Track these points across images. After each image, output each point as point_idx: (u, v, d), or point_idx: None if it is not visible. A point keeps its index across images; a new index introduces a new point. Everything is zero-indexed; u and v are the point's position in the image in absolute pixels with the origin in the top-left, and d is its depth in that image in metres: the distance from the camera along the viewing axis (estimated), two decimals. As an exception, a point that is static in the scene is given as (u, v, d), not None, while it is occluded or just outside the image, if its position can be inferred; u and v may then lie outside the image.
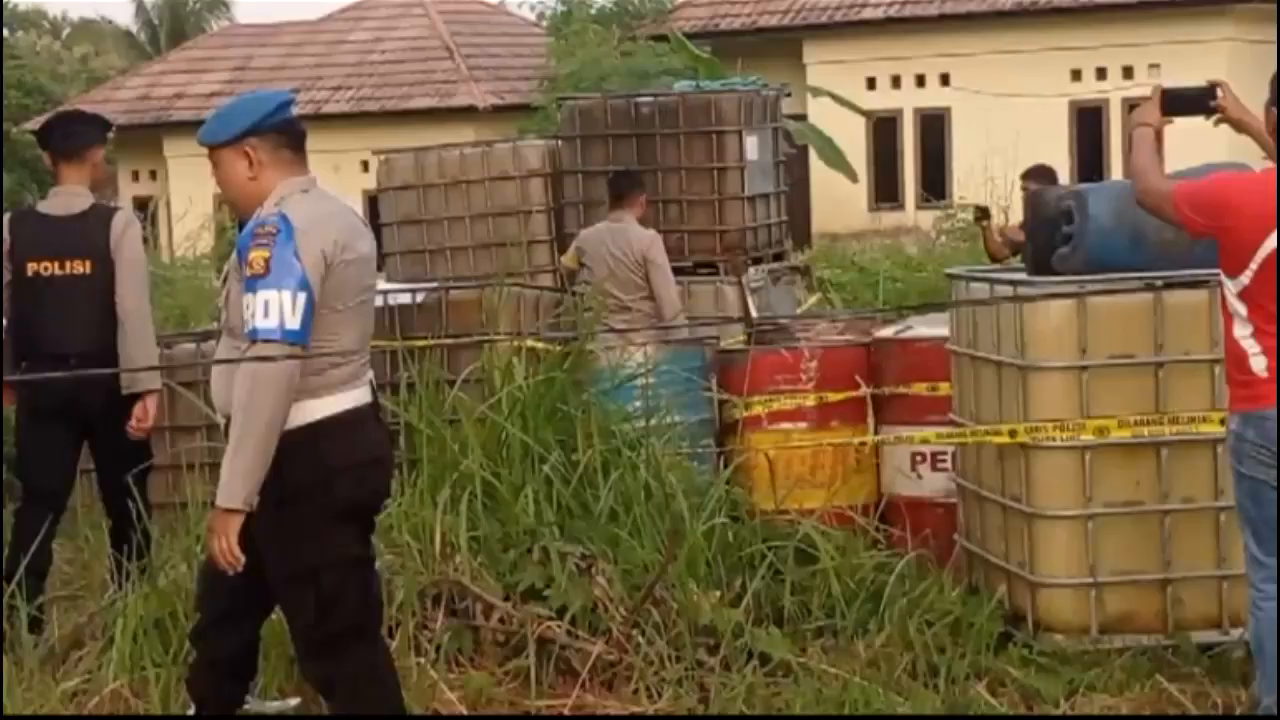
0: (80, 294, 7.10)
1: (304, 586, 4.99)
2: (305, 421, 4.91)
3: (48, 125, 7.62)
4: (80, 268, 7.14)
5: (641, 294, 10.11)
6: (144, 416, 7.25)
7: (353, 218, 5.20)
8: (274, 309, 4.81)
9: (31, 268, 7.15)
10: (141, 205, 28.19)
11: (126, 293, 7.16)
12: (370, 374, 5.14)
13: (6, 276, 7.19)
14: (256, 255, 4.88)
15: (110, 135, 7.82)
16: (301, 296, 4.82)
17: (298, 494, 4.92)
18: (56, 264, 7.13)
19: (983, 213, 11.80)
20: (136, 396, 7.24)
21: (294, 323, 4.80)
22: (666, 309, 10.00)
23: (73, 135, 7.37)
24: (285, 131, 5.22)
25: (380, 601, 5.34)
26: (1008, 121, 23.79)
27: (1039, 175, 11.24)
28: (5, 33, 42.47)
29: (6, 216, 7.31)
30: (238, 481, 4.81)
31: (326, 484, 4.95)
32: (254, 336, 4.83)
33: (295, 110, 5.39)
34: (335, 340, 4.97)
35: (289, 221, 4.93)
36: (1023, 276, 6.85)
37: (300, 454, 4.89)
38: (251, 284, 4.86)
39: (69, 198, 7.26)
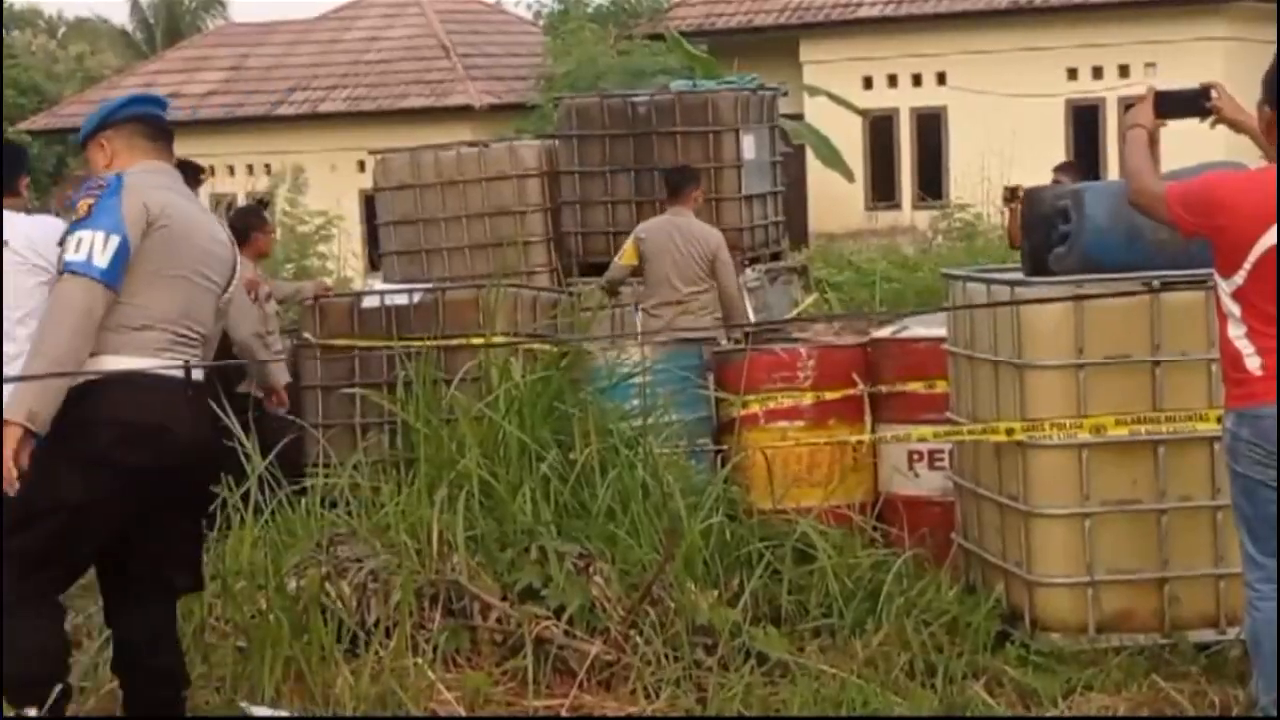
0: None
1: (16, 500, 4.98)
2: (98, 372, 5.04)
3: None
4: None
5: (700, 288, 10.15)
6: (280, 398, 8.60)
7: (189, 204, 5.42)
8: (84, 246, 5.01)
9: None
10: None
11: (236, 326, 7.86)
12: (196, 356, 5.24)
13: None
14: (83, 203, 5.12)
15: (203, 178, 8.66)
16: (114, 239, 5.02)
17: (66, 434, 4.99)
18: None
19: (1013, 194, 11.82)
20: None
21: (102, 260, 4.99)
22: (736, 307, 10.18)
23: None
24: (138, 122, 5.42)
25: (69, 569, 5.24)
26: (1004, 121, 23.80)
27: (1069, 169, 11.32)
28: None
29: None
30: (22, 396, 4.89)
31: (93, 432, 5.03)
32: (65, 269, 5.03)
33: (166, 112, 5.60)
34: (148, 304, 5.13)
35: (121, 179, 5.19)
36: (1020, 276, 6.85)
37: (83, 399, 5.02)
38: (73, 227, 5.08)
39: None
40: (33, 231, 5.65)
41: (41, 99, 36.06)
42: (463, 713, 5.80)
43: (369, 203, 19.11)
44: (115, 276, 5.01)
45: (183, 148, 22.97)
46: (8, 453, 4.86)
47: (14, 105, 34.52)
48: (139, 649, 5.36)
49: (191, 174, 8.20)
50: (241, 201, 24.46)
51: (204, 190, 26.84)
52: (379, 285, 11.84)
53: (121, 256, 5.03)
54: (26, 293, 5.57)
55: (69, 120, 30.37)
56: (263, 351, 8.48)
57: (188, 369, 5.19)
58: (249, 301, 8.48)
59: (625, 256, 10.43)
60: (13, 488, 4.89)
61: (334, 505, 6.87)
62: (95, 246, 5.01)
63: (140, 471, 5.11)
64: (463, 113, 26.65)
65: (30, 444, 4.90)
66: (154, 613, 5.36)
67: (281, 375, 8.99)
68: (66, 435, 5.00)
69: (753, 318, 11.21)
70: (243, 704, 5.64)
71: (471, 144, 13.98)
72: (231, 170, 28.04)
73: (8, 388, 4.92)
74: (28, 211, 6.99)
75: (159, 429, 5.13)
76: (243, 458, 6.82)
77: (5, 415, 4.86)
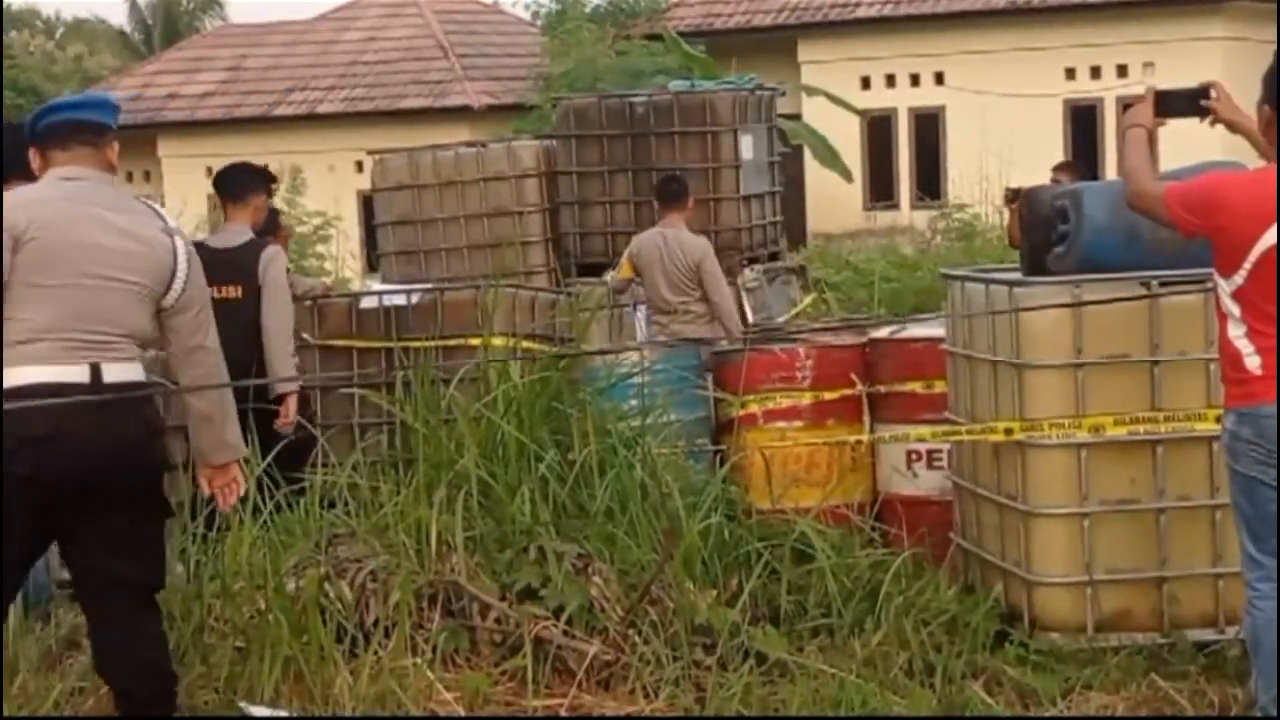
0: (230, 315, 7.41)
1: None
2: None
3: (221, 173, 8.90)
4: (233, 292, 8.11)
5: (693, 297, 10.22)
6: (286, 415, 8.22)
7: (88, 209, 5.35)
8: None
9: None
10: (136, 205, 28.23)
11: (269, 312, 8.25)
12: (84, 355, 5.22)
13: None
14: None
15: (275, 186, 9.22)
16: None
17: None
18: (215, 289, 7.26)
19: (1014, 195, 11.89)
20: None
21: None
22: (727, 319, 10.20)
23: (240, 183, 8.67)
24: (46, 134, 5.51)
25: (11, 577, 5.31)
26: (1002, 120, 23.82)
27: (1068, 170, 11.35)
28: (-2, 33, 42.46)
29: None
30: None
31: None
32: None
33: (93, 111, 5.58)
34: (31, 316, 5.18)
35: None
36: (1018, 276, 6.85)
37: None
38: None
39: (231, 234, 8.50)
40: None
41: (39, 100, 36.02)
42: (462, 713, 5.80)
43: (367, 203, 19.14)
44: None
45: (181, 148, 23.05)
46: None
47: (12, 106, 34.48)
48: (113, 647, 5.35)
49: (266, 180, 8.93)
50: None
51: (204, 192, 26.92)
52: (377, 286, 11.84)
53: None
54: None
55: (67, 121, 30.36)
56: (283, 359, 8.41)
57: (96, 374, 5.20)
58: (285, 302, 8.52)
59: (622, 271, 10.51)
60: None
61: (333, 505, 6.86)
62: None
63: (31, 480, 5.11)
64: (461, 113, 26.66)
65: None
66: (119, 611, 5.32)
67: (291, 385, 8.77)
68: None
69: (751, 318, 11.23)
70: (242, 704, 5.64)
71: (469, 144, 14.01)
72: (229, 171, 28.03)
73: None
74: None
75: (46, 438, 5.11)
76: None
77: None
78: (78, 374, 5.19)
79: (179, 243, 5.47)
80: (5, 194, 5.35)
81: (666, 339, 9.71)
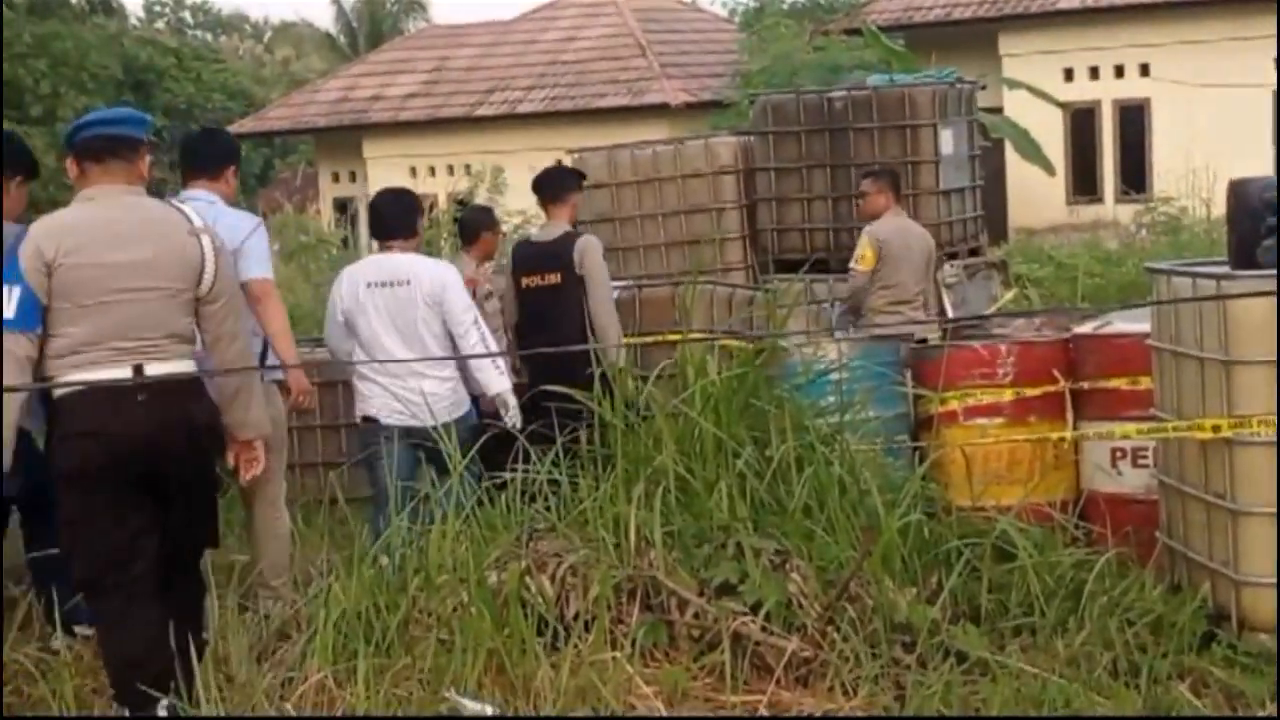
0: (553, 298, 8.97)
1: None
2: (55, 398, 5.86)
3: (539, 177, 9.63)
4: (553, 279, 9.02)
5: (925, 285, 10.71)
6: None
7: (112, 228, 5.88)
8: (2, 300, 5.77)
9: (524, 282, 9.15)
10: (341, 207, 28.70)
11: (593, 296, 8.99)
12: (128, 359, 5.83)
13: (510, 286, 9.28)
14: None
15: (584, 184, 9.90)
16: (16, 290, 5.74)
17: (49, 457, 5.98)
18: (539, 276, 9.06)
19: None
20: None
21: (9, 312, 5.73)
22: (944, 302, 10.88)
23: (557, 184, 9.42)
24: (82, 149, 6.02)
25: (127, 558, 5.88)
26: (1209, 112, 23.34)
27: None
28: (209, 37, 43.48)
29: (512, 245, 9.79)
30: None
31: (57, 450, 5.91)
32: None
33: (126, 126, 6.08)
34: (74, 333, 5.79)
35: (29, 230, 5.93)
36: (1226, 270, 6.72)
37: (51, 426, 5.94)
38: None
39: (552, 229, 9.30)
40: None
41: (249, 103, 36.85)
42: (661, 707, 5.82)
43: (567, 201, 19.23)
44: (23, 320, 5.75)
45: (385, 149, 23.50)
46: None
47: (222, 109, 35.31)
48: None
49: (578, 179, 9.70)
50: (443, 202, 24.80)
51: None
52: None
53: (27, 301, 5.75)
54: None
55: (275, 124, 31.01)
56: (611, 334, 9.06)
57: (138, 375, 5.80)
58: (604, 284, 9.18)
59: (866, 262, 10.46)
60: None
61: (533, 500, 6.94)
62: (6, 301, 5.75)
63: (85, 470, 5.83)
64: (659, 111, 26.74)
65: None
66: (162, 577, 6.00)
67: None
68: (49, 460, 6.00)
69: (951, 314, 11.15)
70: (448, 694, 5.71)
71: (667, 142, 14.04)
72: (433, 171, 28.43)
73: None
74: (232, 203, 7.65)
75: (92, 433, 5.78)
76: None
77: None
78: (121, 373, 5.81)
79: (205, 241, 5.97)
80: (42, 221, 5.97)
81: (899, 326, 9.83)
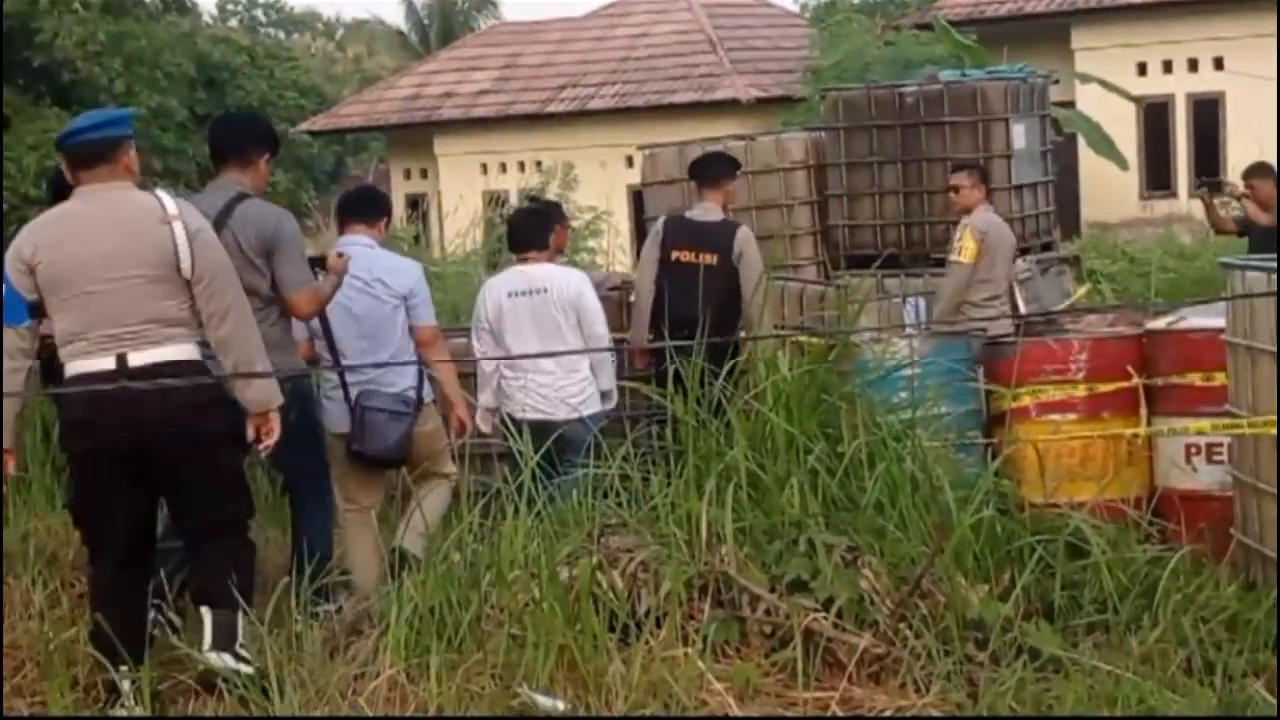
0: (707, 277, 9.24)
1: None
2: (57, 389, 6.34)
3: (696, 162, 10.31)
4: (709, 259, 9.40)
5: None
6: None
7: (85, 224, 6.23)
8: None
9: (674, 255, 9.50)
10: (413, 203, 28.80)
11: (748, 283, 9.38)
12: (112, 348, 6.14)
13: (655, 255, 9.64)
14: None
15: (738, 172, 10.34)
16: (4, 289, 6.22)
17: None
18: (695, 254, 9.44)
19: (1207, 185, 12.15)
20: None
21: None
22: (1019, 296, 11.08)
23: (713, 170, 9.96)
24: (68, 155, 6.40)
25: (116, 533, 6.34)
26: (1286, 105, 23.10)
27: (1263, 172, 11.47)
28: (281, 35, 43.73)
29: (662, 218, 9.98)
30: None
31: (61, 435, 6.61)
32: None
33: (107, 127, 6.41)
34: (63, 325, 6.20)
35: (19, 231, 6.41)
36: (1302, 264, 6.67)
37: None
38: None
39: (707, 211, 9.76)
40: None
41: (321, 100, 37.05)
42: (732, 703, 5.82)
43: (637, 198, 19.27)
44: (10, 314, 6.24)
45: (457, 146, 23.60)
46: None
47: (295, 106, 35.47)
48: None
49: (733, 165, 10.19)
50: (514, 199, 24.87)
51: (479, 189, 27.37)
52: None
53: (11, 298, 6.22)
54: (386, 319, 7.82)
55: (347, 121, 31.17)
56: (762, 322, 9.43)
57: (120, 364, 6.12)
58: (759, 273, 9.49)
59: (969, 254, 10.39)
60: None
61: (604, 496, 6.95)
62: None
63: (76, 455, 6.41)
64: (729, 107, 26.72)
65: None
66: (193, 545, 6.45)
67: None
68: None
69: (1024, 309, 11.11)
70: (519, 689, 5.73)
71: (738, 138, 14.02)
72: (504, 167, 28.51)
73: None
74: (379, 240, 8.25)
75: (80, 421, 6.26)
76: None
77: None
78: (105, 364, 6.14)
79: (177, 227, 6.20)
80: (30, 222, 6.42)
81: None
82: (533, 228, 9.00)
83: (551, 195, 21.88)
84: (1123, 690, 5.82)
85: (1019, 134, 12.31)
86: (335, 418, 7.86)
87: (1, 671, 6.44)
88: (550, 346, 8.51)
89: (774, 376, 7.18)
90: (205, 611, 6.22)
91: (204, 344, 6.34)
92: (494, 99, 29.25)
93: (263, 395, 6.41)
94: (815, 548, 6.35)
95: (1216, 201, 12.52)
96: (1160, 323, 8.42)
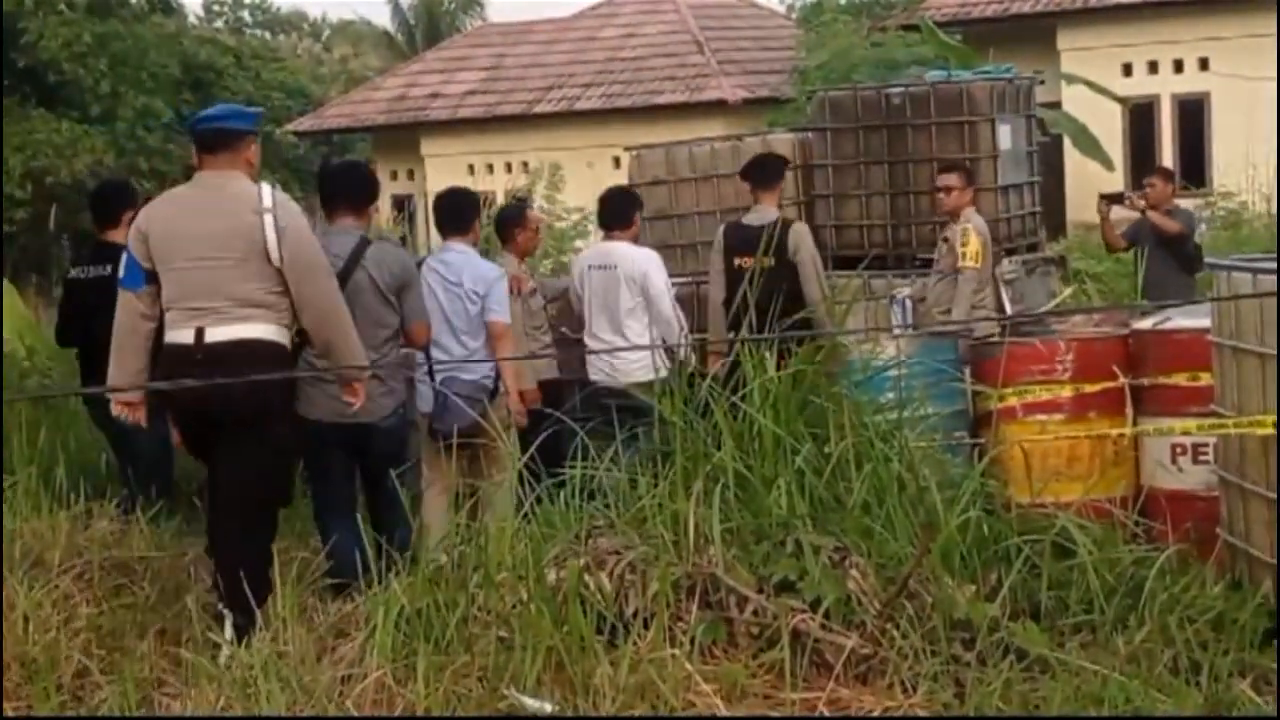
0: (766, 281, 9.27)
1: None
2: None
3: (750, 164, 10.72)
4: (767, 261, 9.64)
5: None
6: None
7: (192, 205, 6.96)
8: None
9: (737, 262, 9.95)
10: (399, 204, 28.78)
11: (807, 281, 9.86)
12: (193, 320, 6.81)
13: (720, 265, 10.18)
14: None
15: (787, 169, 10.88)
16: (125, 255, 7.00)
17: None
18: (752, 259, 9.70)
19: (1109, 199, 12.27)
20: None
21: (121, 272, 7.04)
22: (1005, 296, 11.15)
23: (769, 171, 10.50)
24: (195, 139, 7.11)
25: (208, 486, 7.20)
26: (1269, 106, 23.14)
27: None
28: (267, 36, 43.66)
29: (721, 227, 10.48)
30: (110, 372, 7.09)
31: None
32: None
33: (219, 120, 7.13)
34: (165, 295, 6.89)
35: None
36: (1287, 265, 6.68)
37: None
38: None
39: (762, 214, 10.19)
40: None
41: (307, 101, 37.00)
42: (720, 704, 5.82)
43: (625, 198, 19.20)
44: (129, 280, 6.97)
45: (443, 146, 23.53)
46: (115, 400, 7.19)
47: (282, 107, 35.43)
48: (218, 537, 7.10)
49: (780, 168, 10.78)
50: (501, 199, 24.86)
51: (467, 187, 27.36)
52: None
53: (130, 265, 6.95)
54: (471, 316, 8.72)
55: (333, 121, 31.17)
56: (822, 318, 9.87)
57: (199, 335, 6.77)
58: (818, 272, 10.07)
59: (979, 258, 10.37)
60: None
61: (592, 497, 6.95)
62: (121, 264, 7.07)
63: (177, 412, 7.14)
64: (716, 107, 26.74)
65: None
66: (226, 512, 7.01)
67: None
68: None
69: (1009, 310, 11.11)
70: (507, 691, 5.74)
71: (725, 138, 14.02)
72: (491, 168, 28.50)
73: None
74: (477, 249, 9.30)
75: (166, 378, 6.86)
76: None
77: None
78: (187, 336, 6.81)
79: (268, 219, 6.78)
80: (154, 200, 7.34)
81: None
82: (618, 206, 10.12)
83: (538, 196, 21.90)
84: (1109, 690, 5.83)
85: (1005, 134, 12.31)
86: (424, 398, 8.72)
87: (1, 671, 6.42)
88: (613, 318, 9.62)
89: (761, 377, 7.19)
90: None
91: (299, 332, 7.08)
92: (480, 100, 29.25)
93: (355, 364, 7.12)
94: (803, 548, 6.35)
95: (1114, 218, 12.66)
96: (1146, 323, 8.44)
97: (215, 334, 6.77)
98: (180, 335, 6.81)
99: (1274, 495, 6.53)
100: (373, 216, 8.58)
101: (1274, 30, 24.31)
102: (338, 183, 8.45)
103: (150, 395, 7.14)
